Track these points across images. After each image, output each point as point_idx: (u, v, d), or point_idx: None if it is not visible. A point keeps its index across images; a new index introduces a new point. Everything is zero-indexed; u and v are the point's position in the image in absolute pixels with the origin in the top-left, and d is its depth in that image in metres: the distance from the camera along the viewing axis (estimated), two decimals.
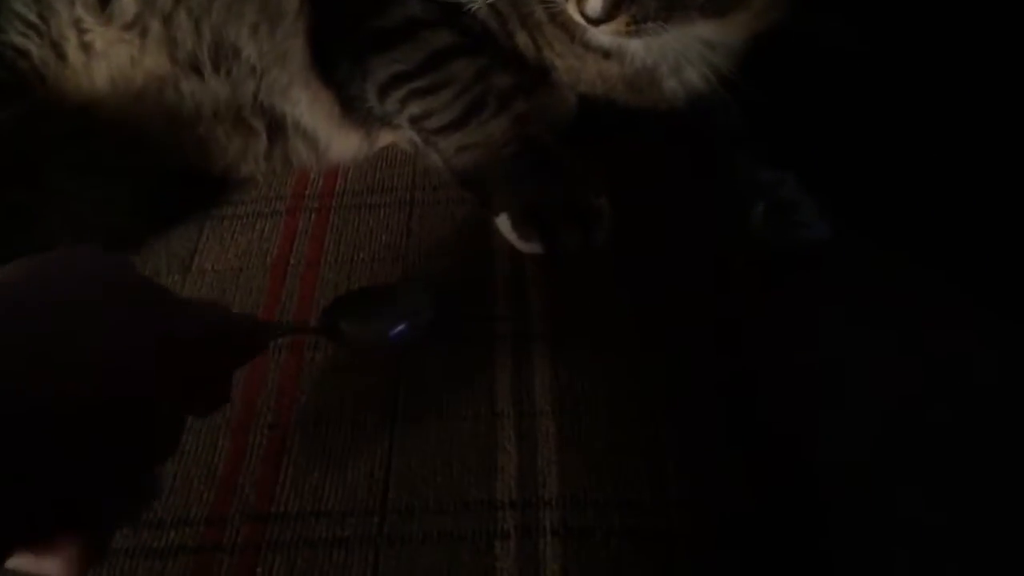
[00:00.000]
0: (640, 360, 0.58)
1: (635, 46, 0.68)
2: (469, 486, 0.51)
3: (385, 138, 0.76)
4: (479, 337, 0.59)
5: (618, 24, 0.59)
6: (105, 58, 0.70)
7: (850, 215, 1.41)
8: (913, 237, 1.39)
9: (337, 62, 0.71)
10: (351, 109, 0.72)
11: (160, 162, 0.72)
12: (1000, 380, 1.29)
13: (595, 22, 0.59)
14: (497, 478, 0.51)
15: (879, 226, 1.40)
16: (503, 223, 0.64)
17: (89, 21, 0.69)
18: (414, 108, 0.69)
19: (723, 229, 0.79)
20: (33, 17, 0.69)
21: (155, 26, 0.69)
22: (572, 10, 0.61)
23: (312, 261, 0.67)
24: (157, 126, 0.72)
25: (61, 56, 0.70)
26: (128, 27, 0.69)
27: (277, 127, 0.74)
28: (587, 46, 0.70)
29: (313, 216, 0.71)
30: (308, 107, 0.73)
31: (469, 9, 0.67)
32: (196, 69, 0.71)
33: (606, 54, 0.70)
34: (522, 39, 0.71)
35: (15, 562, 0.31)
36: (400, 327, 0.52)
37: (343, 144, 0.75)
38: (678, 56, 0.70)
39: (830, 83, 1.34)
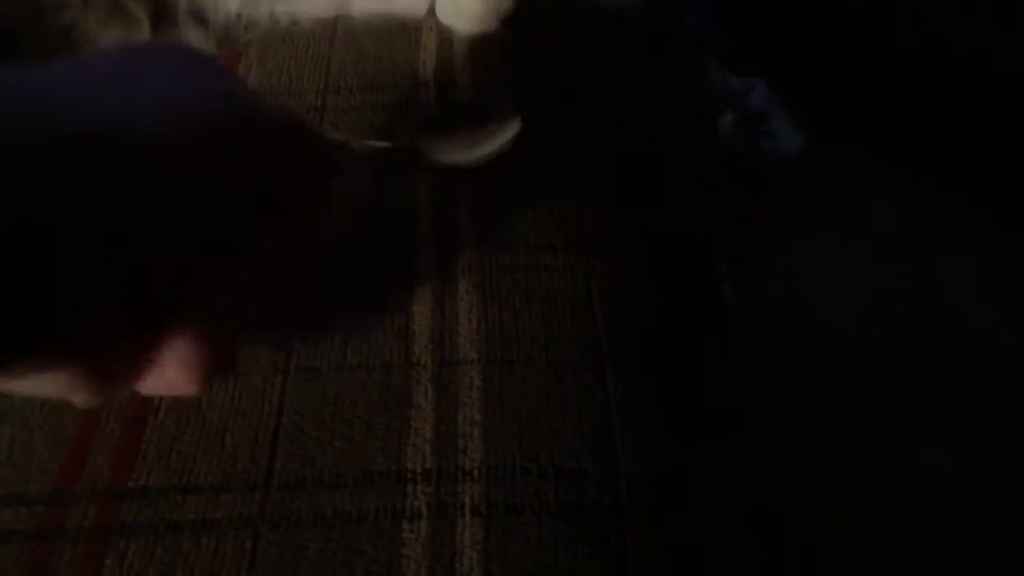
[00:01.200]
0: (585, 297, 0.48)
1: None
2: (374, 453, 0.42)
3: None
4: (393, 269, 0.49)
5: None
6: None
7: (825, 128, 1.33)
8: (893, 152, 1.31)
9: None
10: None
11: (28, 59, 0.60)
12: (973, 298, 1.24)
13: None
14: (408, 443, 0.42)
15: (854, 141, 1.33)
16: None
17: None
18: None
19: (688, 139, 0.69)
20: None
21: None
22: None
23: None
24: (18, 16, 0.60)
25: None
26: None
27: (163, 14, 0.62)
28: None
29: None
30: None
31: None
32: None
33: None
34: None
35: None
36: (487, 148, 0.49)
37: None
38: None
39: None
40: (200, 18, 0.63)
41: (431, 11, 0.63)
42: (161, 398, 0.43)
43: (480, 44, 0.62)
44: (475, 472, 0.41)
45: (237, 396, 0.44)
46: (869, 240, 1.29)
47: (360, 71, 0.61)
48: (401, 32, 0.63)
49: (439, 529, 0.39)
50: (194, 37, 0.63)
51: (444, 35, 0.62)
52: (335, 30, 0.63)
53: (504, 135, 0.50)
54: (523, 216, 0.52)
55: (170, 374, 0.30)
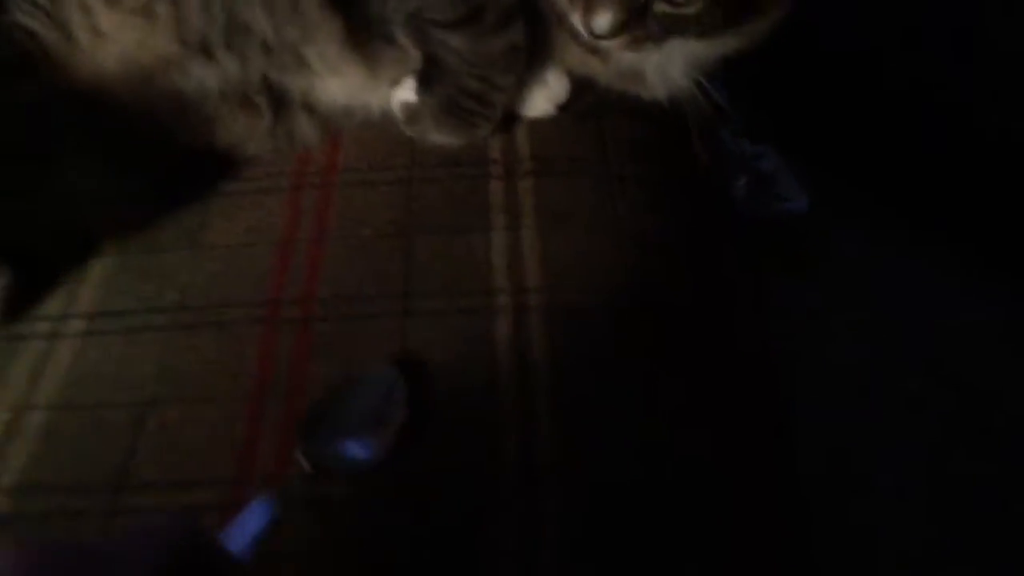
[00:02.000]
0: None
1: (620, 52, 0.69)
2: None
3: (385, 70, 0.76)
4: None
5: (618, 41, 0.62)
6: (113, 41, 0.72)
7: (829, 189, 1.46)
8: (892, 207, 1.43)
9: None
10: (355, 28, 0.73)
11: (167, 140, 0.74)
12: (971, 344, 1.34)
13: (599, 38, 0.61)
14: None
15: (856, 200, 1.45)
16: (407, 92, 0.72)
17: (97, 5, 0.71)
18: (413, 3, 0.69)
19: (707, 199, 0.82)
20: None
21: (164, 7, 0.71)
22: (577, 21, 0.63)
23: (317, 237, 0.70)
24: (164, 106, 0.74)
25: (69, 37, 0.71)
26: (135, 10, 0.71)
27: (282, 103, 0.76)
28: (576, 37, 0.72)
29: (317, 193, 0.74)
30: (316, 52, 0.74)
31: None
32: (206, 50, 0.72)
33: (592, 50, 0.73)
34: None
35: None
36: (361, 447, 0.53)
37: (345, 84, 0.76)
38: (663, 59, 0.72)
39: (811, 66, 1.38)
40: (311, 108, 0.77)
41: None
42: None
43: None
44: None
45: None
46: (871, 292, 1.41)
47: (439, 149, 0.75)
48: None
49: None
50: (304, 123, 0.77)
51: None
52: None
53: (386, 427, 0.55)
54: None
55: None
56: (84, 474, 0.56)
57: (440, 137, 0.73)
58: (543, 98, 0.77)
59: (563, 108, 0.78)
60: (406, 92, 0.73)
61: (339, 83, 0.75)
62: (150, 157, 0.73)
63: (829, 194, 1.48)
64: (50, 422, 0.59)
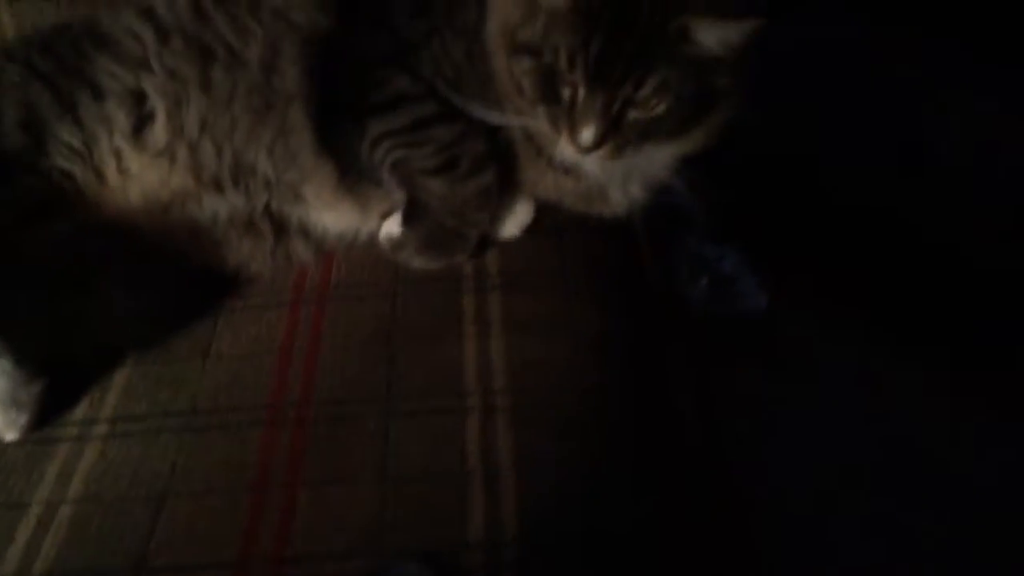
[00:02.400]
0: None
1: (592, 166, 0.80)
2: None
3: (374, 206, 0.88)
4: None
5: (603, 151, 0.73)
6: (139, 179, 0.84)
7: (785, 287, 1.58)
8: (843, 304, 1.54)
9: (340, 130, 0.83)
10: (346, 173, 0.85)
11: (182, 262, 0.86)
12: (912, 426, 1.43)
13: (586, 150, 0.72)
14: None
15: (812, 297, 1.57)
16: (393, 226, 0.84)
17: (126, 149, 0.83)
18: (398, 153, 0.81)
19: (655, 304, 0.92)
20: (78, 144, 0.83)
21: (183, 152, 0.83)
22: (564, 140, 0.74)
23: (312, 346, 0.81)
24: (180, 232, 0.85)
25: (101, 178, 0.83)
26: (159, 154, 0.83)
27: (282, 229, 0.88)
28: (551, 162, 0.84)
29: (312, 307, 0.85)
30: (313, 191, 0.86)
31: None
32: (217, 186, 0.84)
33: (566, 170, 0.84)
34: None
35: None
36: None
37: (338, 219, 0.88)
38: (626, 173, 0.85)
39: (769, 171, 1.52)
40: (307, 233, 0.88)
41: None
42: None
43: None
44: None
45: None
46: (824, 383, 1.50)
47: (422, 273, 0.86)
48: None
49: None
50: (301, 245, 0.89)
51: None
52: None
53: None
54: None
55: None
56: (107, 559, 0.65)
57: (422, 263, 0.85)
58: (512, 223, 0.88)
59: (528, 230, 0.89)
60: (392, 227, 0.85)
61: (333, 215, 0.87)
62: (167, 277, 0.84)
63: (788, 293, 1.58)
64: (77, 514, 0.68)
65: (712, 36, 0.68)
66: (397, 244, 0.85)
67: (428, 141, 0.80)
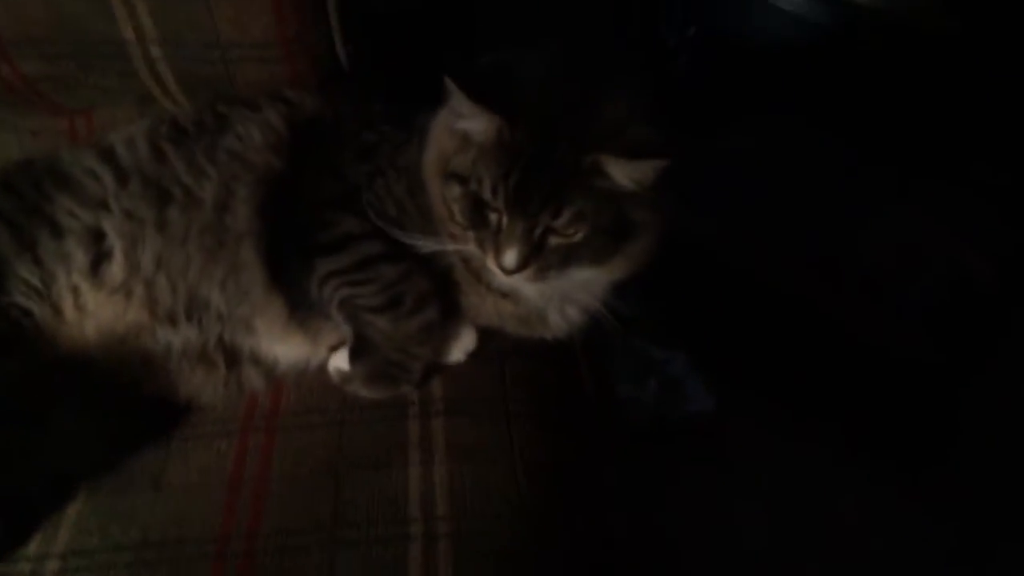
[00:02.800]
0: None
1: (529, 289, 0.86)
2: None
3: (324, 339, 0.92)
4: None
5: (527, 273, 0.78)
6: (95, 314, 0.87)
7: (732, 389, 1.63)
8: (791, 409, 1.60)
9: (290, 268, 0.87)
10: (296, 308, 0.89)
11: (136, 394, 0.88)
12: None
13: (509, 272, 0.77)
14: None
15: (758, 400, 1.63)
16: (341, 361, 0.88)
17: (84, 286, 0.87)
18: (344, 292, 0.86)
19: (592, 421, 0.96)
20: (36, 282, 0.86)
21: (139, 288, 0.87)
22: (491, 262, 0.79)
23: (262, 475, 0.84)
24: (134, 364, 0.88)
25: (58, 314, 0.87)
26: (116, 290, 0.87)
27: (234, 359, 0.91)
28: (489, 287, 0.89)
29: (262, 436, 0.88)
30: (264, 324, 0.90)
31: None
32: (172, 320, 0.88)
33: (504, 295, 0.90)
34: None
35: None
36: None
37: (289, 350, 0.92)
38: (563, 297, 0.90)
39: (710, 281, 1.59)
40: (257, 361, 0.92)
41: None
42: None
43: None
44: None
45: None
46: (771, 482, 1.55)
47: (369, 400, 0.90)
48: None
49: None
50: (252, 374, 0.92)
51: None
52: None
53: None
54: None
55: None
56: None
57: (369, 394, 0.88)
58: (457, 349, 0.93)
59: (472, 355, 0.94)
60: (340, 361, 0.89)
61: (284, 347, 0.91)
62: (121, 408, 0.87)
63: (733, 394, 1.65)
64: None
65: (623, 172, 0.74)
66: (345, 378, 0.89)
67: (373, 280, 0.85)
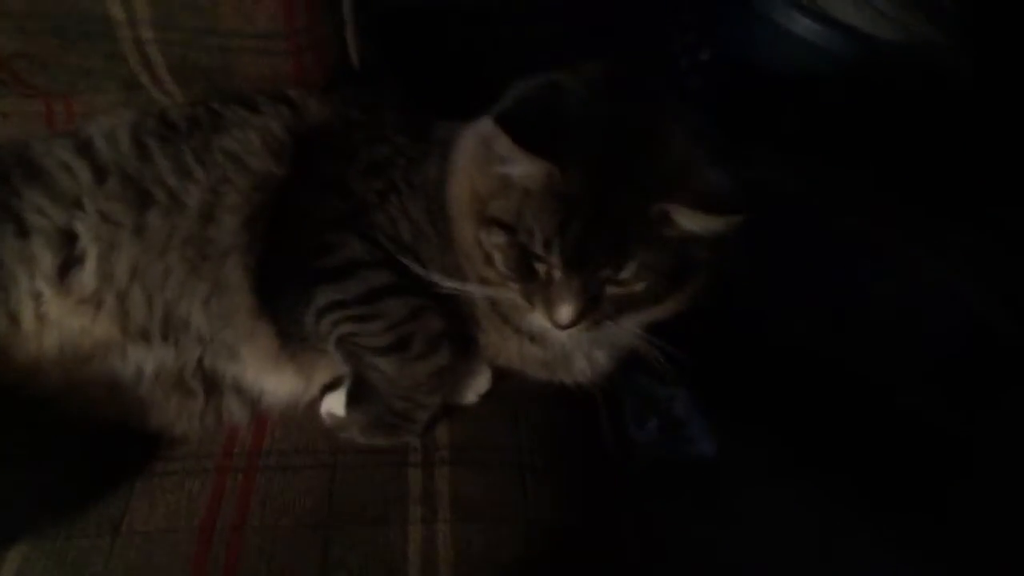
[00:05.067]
0: None
1: (561, 334, 0.74)
2: None
3: (318, 375, 0.82)
4: None
5: (582, 326, 0.69)
6: (58, 326, 0.76)
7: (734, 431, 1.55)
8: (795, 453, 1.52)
9: (283, 293, 0.77)
10: (288, 338, 0.78)
11: (97, 420, 0.77)
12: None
13: (564, 328, 0.68)
14: None
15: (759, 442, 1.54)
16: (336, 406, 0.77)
17: (48, 293, 0.75)
18: (346, 327, 0.75)
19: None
20: None
21: (110, 300, 0.76)
22: (541, 317, 0.70)
23: (238, 524, 0.73)
24: (98, 389, 0.77)
25: (14, 323, 0.75)
26: (84, 300, 0.76)
27: (214, 387, 0.80)
28: (517, 330, 0.79)
29: (240, 476, 0.77)
30: (251, 353, 0.79)
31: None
32: (145, 338, 0.77)
33: (532, 338, 0.80)
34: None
35: None
36: None
37: (278, 384, 0.81)
38: (592, 340, 0.80)
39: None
40: (240, 391, 0.81)
41: None
42: None
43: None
44: None
45: None
46: (770, 527, 1.47)
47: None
48: None
49: None
50: (234, 404, 0.81)
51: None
52: None
53: None
54: None
55: None
56: None
57: (367, 442, 0.78)
58: (471, 390, 0.83)
59: (484, 396, 0.84)
60: (335, 405, 0.78)
61: (272, 380, 0.80)
62: (78, 436, 0.76)
63: (737, 437, 1.56)
64: None
65: (695, 223, 0.65)
66: (340, 424, 0.78)
67: (379, 315, 0.74)
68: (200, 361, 0.79)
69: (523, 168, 0.66)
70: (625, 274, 0.67)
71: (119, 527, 0.72)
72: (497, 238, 0.69)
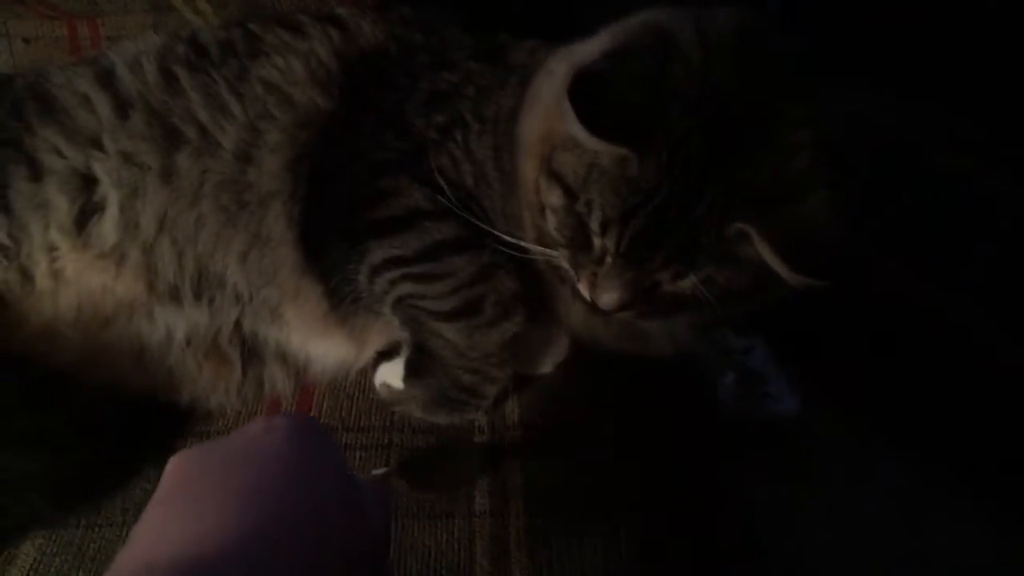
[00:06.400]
0: None
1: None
2: None
3: (372, 340, 0.72)
4: None
5: (623, 315, 0.57)
6: (75, 284, 0.67)
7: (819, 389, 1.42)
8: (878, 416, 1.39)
9: (331, 247, 0.66)
10: (338, 299, 0.68)
11: (122, 394, 0.68)
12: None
13: (603, 313, 0.57)
14: None
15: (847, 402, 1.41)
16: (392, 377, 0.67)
17: (64, 246, 0.66)
18: (405, 288, 0.64)
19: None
20: (3, 237, 0.66)
21: (134, 255, 0.66)
22: (583, 289, 0.59)
23: None
24: (122, 357, 0.68)
25: (27, 280, 0.66)
26: (105, 255, 0.66)
27: (253, 354, 0.70)
28: (575, 294, 0.68)
29: None
30: (295, 314, 0.69)
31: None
32: (174, 298, 0.67)
33: (593, 308, 0.68)
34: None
35: None
36: None
37: (326, 351, 0.71)
38: (669, 322, 0.68)
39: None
40: (283, 359, 0.71)
41: None
42: None
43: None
44: None
45: None
46: (861, 496, 1.35)
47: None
48: None
49: None
50: (277, 373, 0.71)
51: None
52: None
53: None
54: None
55: None
56: None
57: (427, 418, 0.67)
58: (547, 358, 0.72)
59: (560, 366, 0.73)
60: (391, 377, 0.67)
61: (320, 346, 0.70)
62: (102, 411, 0.67)
63: (820, 396, 1.43)
64: None
65: (771, 262, 0.51)
66: (396, 398, 0.68)
67: (444, 275, 0.63)
68: (238, 324, 0.69)
69: (594, 144, 0.53)
70: (684, 283, 0.54)
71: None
72: (555, 199, 0.56)
